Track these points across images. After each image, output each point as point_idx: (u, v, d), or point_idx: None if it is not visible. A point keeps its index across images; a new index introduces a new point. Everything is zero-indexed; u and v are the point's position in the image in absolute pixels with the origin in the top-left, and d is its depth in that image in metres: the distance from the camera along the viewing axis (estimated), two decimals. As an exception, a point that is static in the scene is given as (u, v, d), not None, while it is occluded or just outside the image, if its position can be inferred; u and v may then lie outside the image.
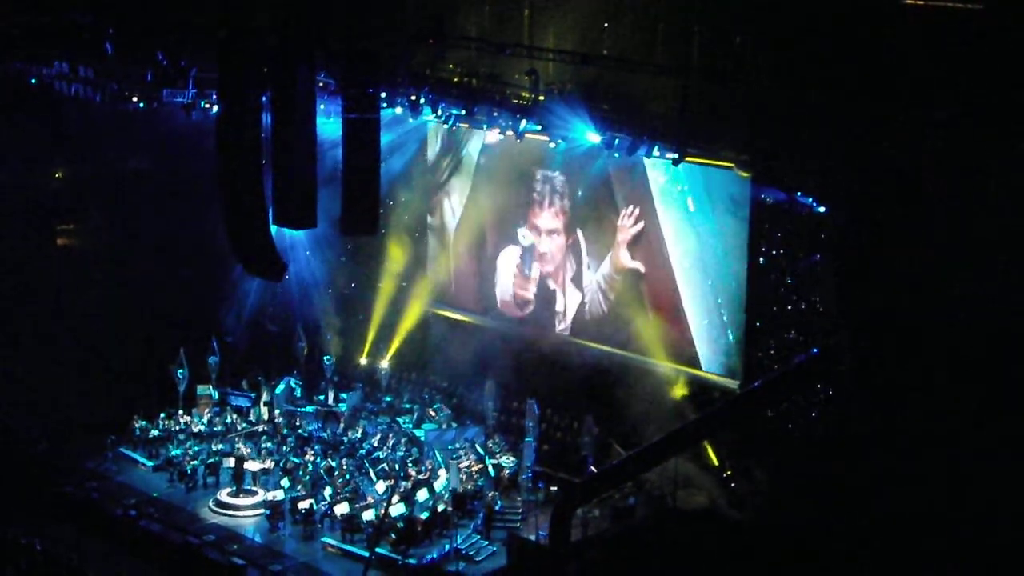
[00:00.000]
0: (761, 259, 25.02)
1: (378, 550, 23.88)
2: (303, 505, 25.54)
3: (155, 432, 29.18)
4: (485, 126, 27.39)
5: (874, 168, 21.28)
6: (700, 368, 26.94)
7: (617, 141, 24.85)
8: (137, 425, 29.17)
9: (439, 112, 27.46)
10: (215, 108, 25.58)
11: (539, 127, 25.95)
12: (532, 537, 24.07)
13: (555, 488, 26.39)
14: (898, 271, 20.64)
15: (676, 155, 24.57)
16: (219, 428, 29.63)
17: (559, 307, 29.84)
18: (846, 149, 21.65)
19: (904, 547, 20.46)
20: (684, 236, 26.83)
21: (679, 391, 26.95)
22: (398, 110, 27.83)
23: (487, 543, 24.75)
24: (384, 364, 32.00)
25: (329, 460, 27.73)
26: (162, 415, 29.60)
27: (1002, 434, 19.08)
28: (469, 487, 26.33)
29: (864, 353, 21.36)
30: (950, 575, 19.74)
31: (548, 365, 29.35)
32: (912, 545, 20.18)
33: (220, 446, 28.52)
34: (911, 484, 20.19)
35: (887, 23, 21.45)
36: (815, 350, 23.40)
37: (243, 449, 28.12)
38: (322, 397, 30.95)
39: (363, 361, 32.69)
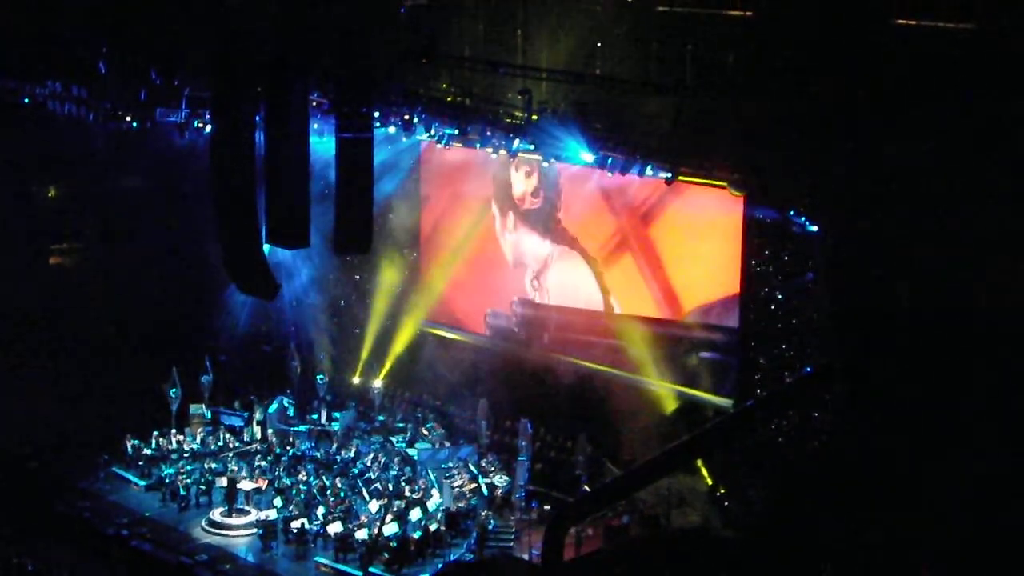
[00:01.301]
0: (754, 277, 25.08)
1: (371, 569, 23.83)
2: (296, 524, 25.49)
3: (148, 451, 29.13)
4: (478, 145, 27.41)
5: (867, 187, 21.33)
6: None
7: (610, 160, 24.89)
8: (130, 444, 29.12)
9: (432, 131, 27.50)
10: (208, 127, 25.58)
11: (532, 146, 25.99)
12: (525, 556, 24.03)
13: (548, 507, 26.34)
14: (892, 288, 20.66)
15: (669, 174, 24.62)
16: (212, 447, 29.61)
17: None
18: (839, 168, 21.70)
19: (901, 565, 20.45)
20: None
21: (672, 410, 26.94)
22: (391, 129, 27.86)
23: (480, 563, 24.73)
24: (377, 383, 31.98)
25: (322, 479, 27.68)
26: (155, 434, 29.55)
27: (1001, 449, 19.06)
28: (462, 506, 26.29)
29: (858, 371, 21.36)
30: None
31: (541, 384, 29.35)
32: (909, 562, 20.16)
33: (213, 465, 28.47)
34: (907, 500, 20.18)
35: (880, 44, 21.53)
36: (809, 368, 23.42)
37: (236, 468, 28.08)
38: (315, 416, 30.92)
39: (356, 380, 32.67)
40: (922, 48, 20.93)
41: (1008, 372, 19.05)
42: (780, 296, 24.69)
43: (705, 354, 26.76)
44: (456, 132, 26.89)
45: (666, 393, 27.12)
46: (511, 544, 25.21)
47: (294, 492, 27.03)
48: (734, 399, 25.85)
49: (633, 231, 27.78)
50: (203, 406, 30.63)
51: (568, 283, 29.66)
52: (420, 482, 27.18)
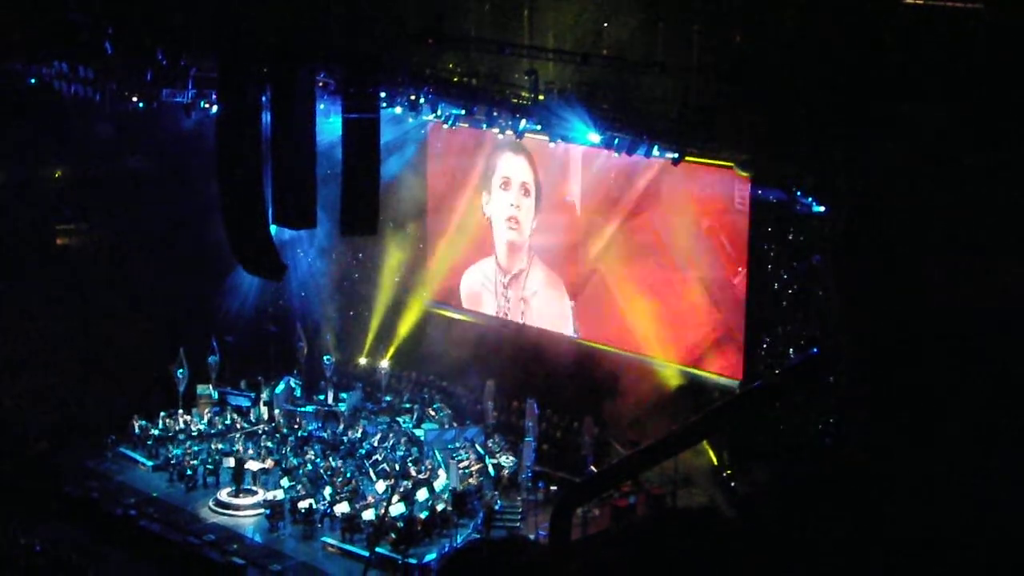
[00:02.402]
0: (761, 258, 25.05)
1: (378, 549, 23.90)
2: (303, 505, 25.57)
3: (155, 432, 29.21)
4: (485, 126, 27.37)
5: (874, 168, 21.29)
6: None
7: (617, 141, 24.83)
8: (137, 425, 29.20)
9: (439, 112, 27.46)
10: (215, 108, 25.59)
11: (539, 127, 25.94)
12: (532, 536, 24.07)
13: (555, 488, 26.39)
14: (898, 271, 20.63)
15: (676, 155, 24.57)
16: (219, 428, 29.68)
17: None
18: (846, 149, 21.65)
19: (904, 548, 20.45)
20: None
21: (679, 390, 26.95)
22: (398, 110, 27.80)
23: (487, 543, 24.77)
24: (384, 364, 32.00)
25: (329, 460, 27.75)
26: (162, 415, 29.63)
27: (1004, 436, 19.06)
28: (469, 486, 26.33)
29: (864, 353, 21.35)
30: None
31: (548, 364, 29.36)
32: (913, 546, 20.17)
33: (220, 446, 28.55)
34: (911, 485, 20.19)
35: (887, 22, 21.44)
36: (815, 350, 23.39)
37: (243, 449, 28.15)
38: (322, 397, 30.97)
39: (363, 361, 32.71)
40: (930, 28, 20.84)
41: (1012, 362, 19.05)
42: (787, 276, 24.66)
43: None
44: (462, 112, 26.83)
45: (672, 373, 27.14)
46: (518, 525, 25.27)
47: (301, 472, 27.11)
48: (740, 380, 25.86)
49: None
50: (210, 387, 30.68)
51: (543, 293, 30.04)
52: (427, 462, 27.22)
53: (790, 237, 24.52)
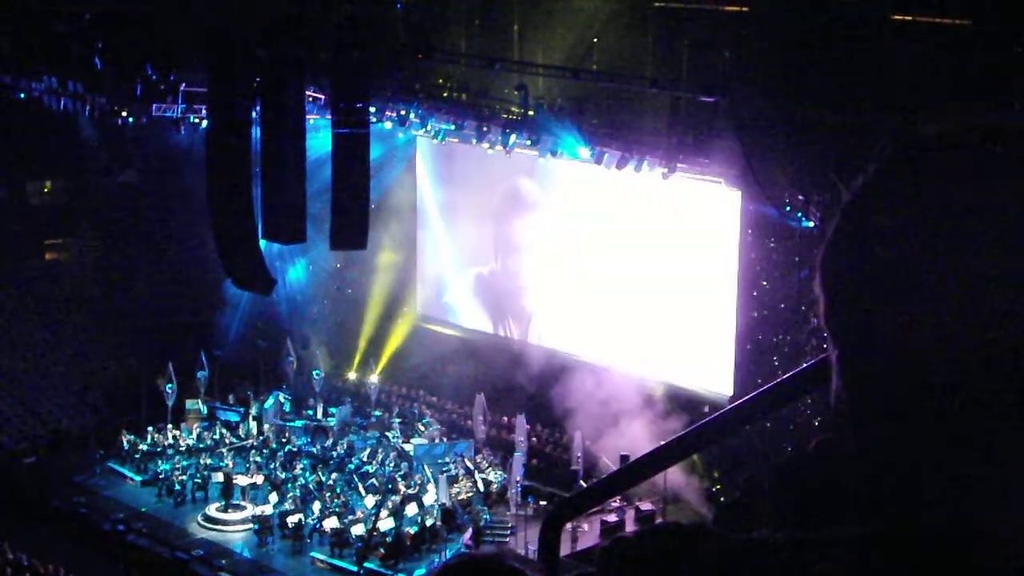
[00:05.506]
0: (752, 273, 25.08)
1: (367, 564, 23.84)
2: (292, 520, 25.48)
3: (144, 447, 29.10)
4: (474, 140, 27.41)
5: (861, 182, 21.32)
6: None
7: (606, 156, 24.88)
8: (126, 440, 29.08)
9: (429, 127, 27.48)
10: (204, 123, 25.60)
11: (528, 142, 25.98)
12: (521, 552, 24.02)
13: (544, 503, 26.34)
14: (888, 284, 20.61)
15: (665, 170, 24.61)
16: (208, 443, 29.57)
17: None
18: (834, 164, 21.70)
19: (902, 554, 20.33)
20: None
21: (669, 405, 26.93)
22: (387, 124, 27.82)
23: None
24: (373, 379, 31.94)
25: (318, 475, 27.67)
26: (151, 429, 29.52)
27: (1003, 438, 19.00)
28: (461, 499, 26.29)
29: (854, 367, 21.31)
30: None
31: (537, 378, 29.32)
32: (911, 550, 20.06)
33: (209, 461, 28.45)
34: (906, 492, 20.12)
35: (876, 38, 21.52)
36: (807, 364, 23.39)
37: (231, 464, 28.08)
38: (311, 412, 30.87)
39: (352, 376, 32.65)
40: (918, 44, 20.92)
41: (1007, 371, 18.98)
42: (778, 291, 24.67)
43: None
44: (452, 127, 26.87)
45: (664, 388, 27.12)
46: (507, 539, 25.21)
47: (290, 487, 27.02)
48: (731, 394, 25.83)
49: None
50: (199, 401, 30.58)
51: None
52: (416, 477, 27.17)
53: (779, 251, 24.55)
